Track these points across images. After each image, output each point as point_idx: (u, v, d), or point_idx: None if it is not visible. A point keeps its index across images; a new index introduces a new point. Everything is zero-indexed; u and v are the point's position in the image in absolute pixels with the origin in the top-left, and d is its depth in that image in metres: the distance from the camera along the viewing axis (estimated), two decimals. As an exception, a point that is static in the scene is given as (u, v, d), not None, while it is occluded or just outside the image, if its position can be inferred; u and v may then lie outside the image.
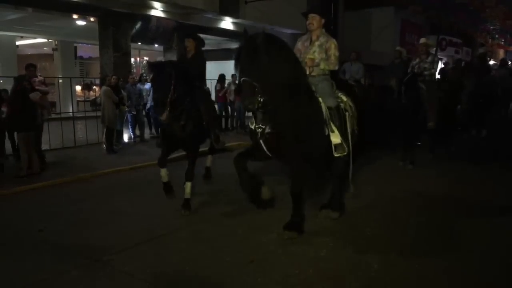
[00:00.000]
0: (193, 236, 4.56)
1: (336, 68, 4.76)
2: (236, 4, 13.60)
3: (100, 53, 12.23)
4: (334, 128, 4.43)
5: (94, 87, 18.37)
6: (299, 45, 4.86)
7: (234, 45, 14.46)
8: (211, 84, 12.95)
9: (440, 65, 22.01)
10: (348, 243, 4.35)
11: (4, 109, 7.88)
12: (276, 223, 4.56)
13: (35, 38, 16.98)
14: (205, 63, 6.11)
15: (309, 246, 4.25)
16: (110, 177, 7.40)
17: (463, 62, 17.01)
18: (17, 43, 16.84)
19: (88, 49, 19.59)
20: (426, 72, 7.97)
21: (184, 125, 5.22)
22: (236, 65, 3.98)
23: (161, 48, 15.20)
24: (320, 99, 4.42)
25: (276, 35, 4.33)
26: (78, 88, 19.51)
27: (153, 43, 15.07)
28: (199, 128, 5.43)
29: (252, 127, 4.32)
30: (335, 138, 4.44)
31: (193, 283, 3.53)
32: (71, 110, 12.06)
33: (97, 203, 5.75)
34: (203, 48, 6.12)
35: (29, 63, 7.89)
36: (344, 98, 4.74)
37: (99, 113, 9.77)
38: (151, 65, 5.33)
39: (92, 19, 12.73)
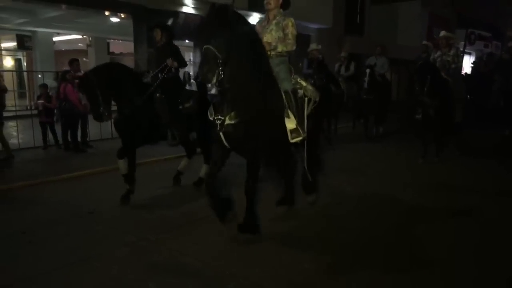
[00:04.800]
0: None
1: (294, 48, 4.52)
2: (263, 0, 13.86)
3: (134, 49, 12.72)
4: (289, 113, 4.26)
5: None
6: (257, 27, 4.68)
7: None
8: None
9: (471, 59, 21.72)
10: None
11: (40, 101, 8.61)
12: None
13: (70, 34, 17.72)
14: (177, 52, 5.93)
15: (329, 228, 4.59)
16: (147, 167, 7.80)
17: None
18: (54, 39, 17.60)
19: (119, 45, 20.23)
20: (453, 66, 8.03)
21: (134, 123, 5.35)
22: (200, 34, 3.75)
23: (191, 43, 15.60)
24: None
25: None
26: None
27: (183, 39, 15.50)
28: (151, 125, 5.50)
29: (211, 118, 4.11)
30: (290, 124, 4.28)
31: (234, 259, 3.91)
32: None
33: (137, 190, 6.14)
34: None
35: (73, 58, 8.42)
36: (303, 83, 4.63)
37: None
38: (77, 78, 5.44)
39: (122, 15, 13.25)
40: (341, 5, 18.76)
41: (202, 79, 3.68)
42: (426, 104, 7.55)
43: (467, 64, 19.71)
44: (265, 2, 4.54)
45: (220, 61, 3.57)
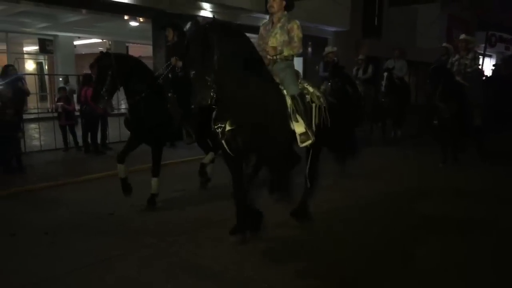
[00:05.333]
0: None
1: (301, 51, 4.47)
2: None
3: (153, 53, 12.87)
4: (298, 117, 4.18)
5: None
6: (261, 30, 4.61)
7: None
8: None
9: (492, 61, 21.34)
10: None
11: (59, 103, 8.81)
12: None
13: (91, 38, 18.05)
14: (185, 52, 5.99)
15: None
16: (164, 169, 7.84)
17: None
18: (75, 43, 17.95)
19: (138, 49, 20.47)
20: (468, 69, 7.94)
21: (143, 118, 5.27)
22: (187, 59, 3.70)
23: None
24: (284, 90, 4.23)
25: (233, 27, 4.13)
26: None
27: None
28: (163, 122, 5.40)
29: (213, 127, 4.06)
30: (299, 128, 4.20)
31: (251, 262, 3.93)
32: (123, 107, 12.81)
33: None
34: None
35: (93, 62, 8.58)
36: (311, 89, 4.54)
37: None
38: (96, 58, 5.31)
39: (142, 19, 13.44)
40: (359, 8, 18.66)
41: (198, 106, 3.70)
42: (440, 108, 7.47)
43: (488, 66, 19.39)
44: (268, 5, 4.46)
45: (210, 83, 3.54)
